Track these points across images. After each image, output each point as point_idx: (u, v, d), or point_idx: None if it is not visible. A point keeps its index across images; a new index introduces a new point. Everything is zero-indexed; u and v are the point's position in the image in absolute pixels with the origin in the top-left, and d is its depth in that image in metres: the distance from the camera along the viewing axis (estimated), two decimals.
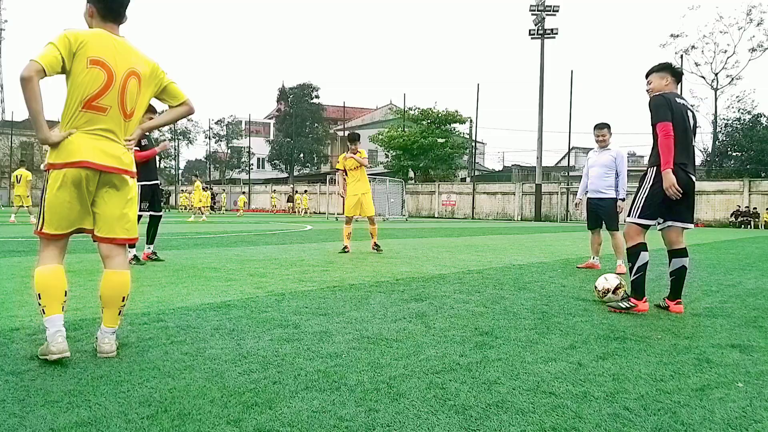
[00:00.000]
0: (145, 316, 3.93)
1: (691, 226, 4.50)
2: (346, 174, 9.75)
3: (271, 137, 63.62)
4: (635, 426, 2.16)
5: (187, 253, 8.83)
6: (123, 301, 3.04)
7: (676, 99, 4.42)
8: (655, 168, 4.36)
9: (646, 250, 4.48)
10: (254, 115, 66.46)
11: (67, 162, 2.84)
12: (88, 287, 5.14)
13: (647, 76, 4.64)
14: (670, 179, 4.19)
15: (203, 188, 27.93)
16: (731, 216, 33.21)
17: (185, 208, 48.08)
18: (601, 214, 7.50)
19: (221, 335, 3.43)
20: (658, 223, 4.54)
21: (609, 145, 7.56)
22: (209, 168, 66.24)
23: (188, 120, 66.41)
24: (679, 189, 4.20)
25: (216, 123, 65.14)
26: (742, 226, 32.11)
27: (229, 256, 8.42)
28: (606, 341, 3.51)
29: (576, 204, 8.06)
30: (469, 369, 2.86)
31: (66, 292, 2.94)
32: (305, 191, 46.39)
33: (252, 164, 62.47)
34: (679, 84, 4.66)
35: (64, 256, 3.05)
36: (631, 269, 4.50)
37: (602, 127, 7.54)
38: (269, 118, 70.57)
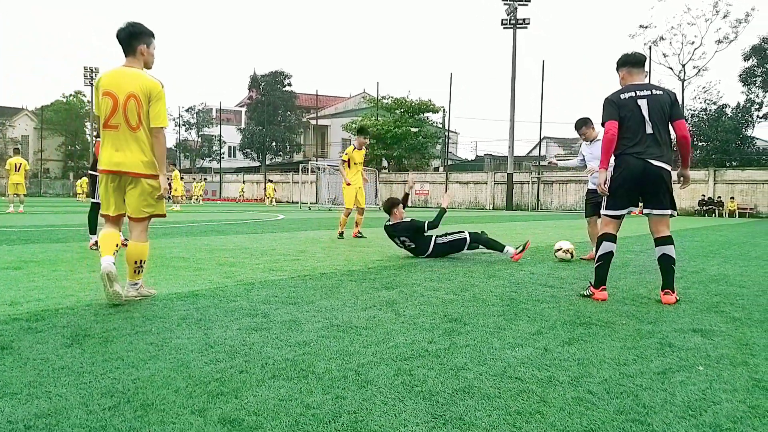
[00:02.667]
0: (109, 306, 3.85)
1: (668, 212, 4.50)
2: (349, 166, 10.25)
3: (243, 125, 62.80)
4: (598, 409, 2.20)
5: (154, 242, 8.69)
6: (136, 264, 4.03)
7: (622, 95, 4.43)
8: (615, 159, 4.47)
9: (611, 241, 4.52)
10: (225, 103, 65.73)
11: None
12: (51, 277, 5.02)
13: (617, 70, 4.72)
14: (601, 177, 4.47)
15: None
16: (697, 204, 34.00)
17: None
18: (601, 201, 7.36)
19: (188, 325, 3.38)
20: (630, 212, 4.60)
21: (598, 136, 7.36)
22: (179, 157, 65.18)
23: None
24: (605, 191, 4.45)
25: (186, 110, 64.10)
26: (707, 214, 32.92)
27: (199, 245, 8.31)
28: (572, 327, 3.57)
29: (549, 162, 7.92)
30: (437, 355, 2.87)
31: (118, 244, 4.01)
32: (270, 180, 46.26)
33: (223, 153, 61.65)
34: (641, 67, 4.59)
35: (119, 228, 4.16)
36: (595, 257, 4.59)
37: (579, 126, 7.52)
38: (241, 106, 69.62)
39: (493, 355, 2.91)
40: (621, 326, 3.62)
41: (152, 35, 4.06)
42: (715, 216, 32.34)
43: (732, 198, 33.43)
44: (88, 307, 3.83)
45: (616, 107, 4.44)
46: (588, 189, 7.65)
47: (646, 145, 4.36)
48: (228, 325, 3.39)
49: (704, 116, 40.49)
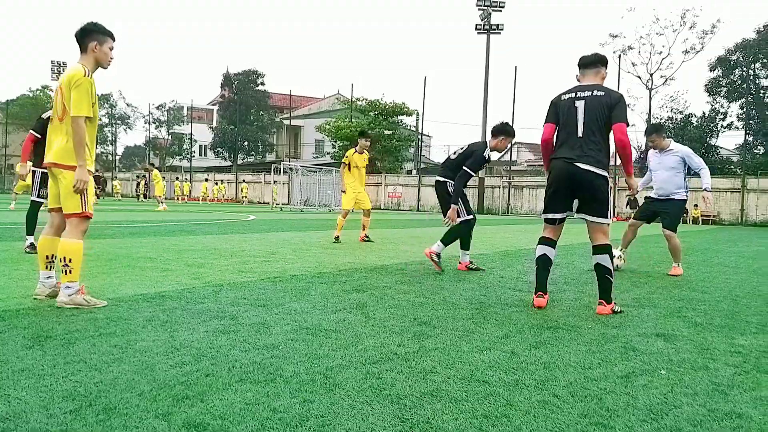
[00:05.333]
0: (73, 308, 3.76)
1: (598, 220, 4.28)
2: (350, 169, 10.12)
3: (215, 124, 62.05)
4: (563, 412, 2.23)
5: (121, 242, 8.53)
6: (62, 262, 3.81)
7: (563, 96, 4.38)
8: (549, 163, 4.45)
9: (545, 245, 4.43)
10: (197, 101, 64.54)
11: None
12: (13, 276, 4.89)
13: None
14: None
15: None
16: None
17: (122, 196, 46.49)
18: (661, 211, 7.15)
19: (153, 327, 3.32)
20: (568, 216, 4.47)
21: (670, 146, 7.07)
22: (149, 155, 64.07)
23: (127, 105, 64.12)
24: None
25: (157, 108, 62.98)
26: None
27: (167, 245, 8.18)
28: (539, 330, 3.61)
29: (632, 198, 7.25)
30: (406, 359, 2.88)
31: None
32: (221, 181, 46.12)
33: (194, 151, 60.79)
34: (591, 68, 4.41)
35: (57, 232, 4.06)
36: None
37: (650, 133, 7.25)
38: (213, 104, 68.75)
39: (462, 358, 2.93)
40: (587, 330, 3.68)
41: (108, 35, 4.02)
42: (680, 223, 33.11)
43: (695, 205, 34.29)
44: (51, 308, 3.74)
45: (555, 109, 4.39)
46: (651, 197, 7.29)
47: (575, 148, 4.23)
48: (195, 328, 3.34)
49: (671, 125, 41.48)
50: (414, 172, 49.62)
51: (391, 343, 3.18)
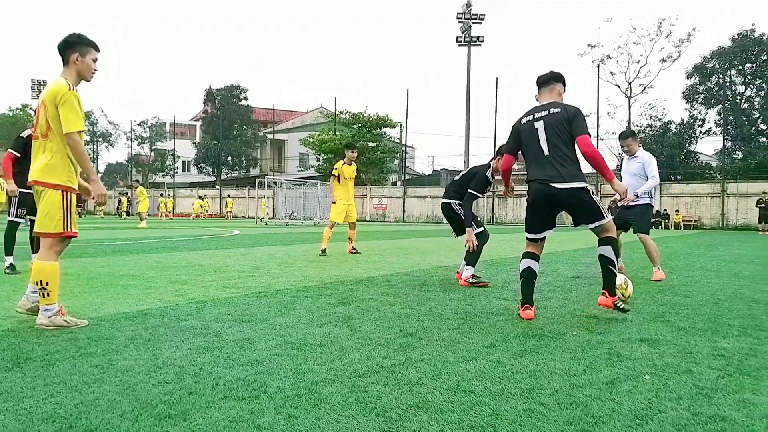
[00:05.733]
0: (53, 329, 3.70)
1: (598, 223, 4.38)
2: (339, 181, 10.17)
3: (198, 140, 61.74)
4: (548, 420, 2.23)
5: (103, 260, 8.43)
6: (38, 285, 3.73)
7: (523, 119, 4.46)
8: (527, 186, 4.44)
9: (527, 258, 4.45)
10: (180, 117, 64.49)
11: None
12: None
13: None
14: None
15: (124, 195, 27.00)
16: None
17: (105, 213, 46.01)
18: (629, 218, 7.27)
19: (136, 346, 3.28)
20: (548, 233, 4.50)
21: (638, 152, 7.31)
22: (131, 172, 63.56)
23: (109, 122, 63.66)
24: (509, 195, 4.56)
25: (138, 124, 62.59)
26: (654, 226, 34.07)
27: (149, 262, 8.10)
28: (525, 339, 3.62)
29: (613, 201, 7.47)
30: (392, 371, 2.87)
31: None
32: (203, 197, 46.02)
33: (177, 167, 60.41)
34: (546, 86, 4.49)
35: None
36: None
37: (626, 137, 7.42)
38: (195, 120, 68.46)
39: (448, 369, 2.92)
40: (571, 337, 3.69)
41: (91, 45, 3.91)
42: (662, 228, 33.50)
43: (677, 210, 34.72)
44: (31, 329, 3.67)
45: (516, 135, 4.52)
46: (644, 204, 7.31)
47: (546, 170, 4.28)
48: (178, 345, 3.30)
49: (650, 132, 42.08)
50: (399, 183, 49.72)
51: (377, 355, 3.17)
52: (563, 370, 2.92)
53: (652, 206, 7.31)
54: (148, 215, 27.31)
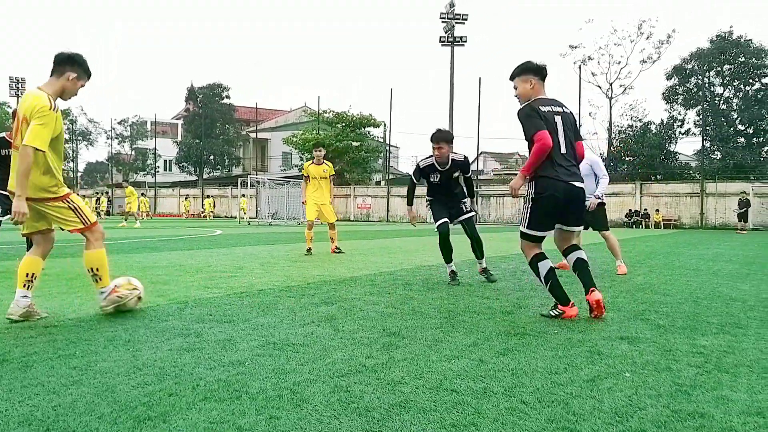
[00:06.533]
0: (31, 329, 3.65)
1: (580, 228, 4.57)
2: (309, 181, 10.25)
3: (179, 138, 61.19)
4: (530, 418, 2.24)
5: (83, 260, 8.30)
6: (90, 272, 4.13)
7: (542, 107, 4.22)
8: (533, 182, 4.24)
9: (543, 260, 4.37)
10: (161, 115, 63.77)
11: None
12: None
13: (512, 79, 4.44)
14: (519, 182, 4.31)
15: (102, 195, 26.72)
16: (625, 216, 35.55)
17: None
18: (587, 218, 7.29)
19: (115, 347, 3.24)
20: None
21: (584, 154, 7.62)
22: (111, 170, 62.84)
23: (89, 120, 62.86)
24: (518, 194, 4.31)
25: (119, 123, 61.87)
26: (634, 226, 34.47)
27: (130, 263, 8.00)
28: (507, 337, 3.64)
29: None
30: (374, 370, 2.86)
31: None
32: (187, 196, 45.60)
33: (158, 166, 59.81)
34: (544, 81, 4.40)
35: (41, 250, 4.11)
36: (541, 283, 4.41)
37: None
38: (177, 119, 67.80)
39: (430, 368, 2.93)
40: (553, 335, 3.72)
41: (87, 73, 4.03)
42: (642, 227, 33.90)
43: (657, 210, 35.16)
44: (8, 330, 3.61)
45: (540, 117, 4.16)
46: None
47: (564, 166, 4.19)
48: (158, 346, 3.26)
49: (631, 132, 42.58)
50: (383, 183, 49.73)
51: (359, 355, 3.16)
52: (545, 369, 2.94)
53: (604, 203, 7.64)
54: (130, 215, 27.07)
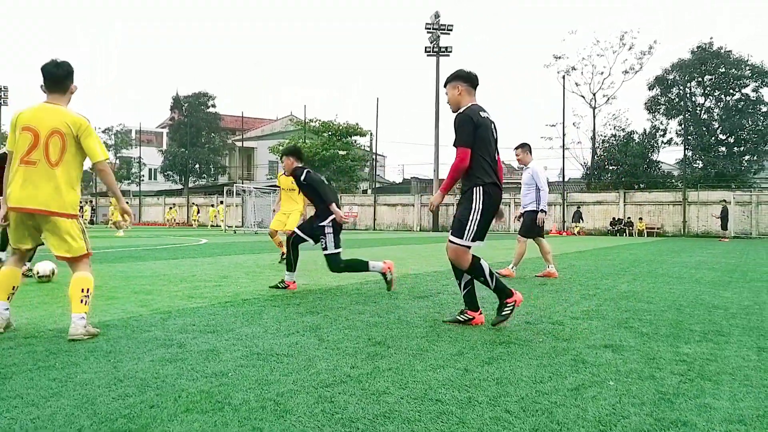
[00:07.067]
0: (10, 340, 3.58)
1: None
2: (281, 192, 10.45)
3: (165, 147, 60.79)
4: (514, 428, 2.24)
5: (63, 270, 8.16)
6: (82, 292, 3.80)
7: (480, 113, 4.18)
8: (480, 188, 4.15)
9: (480, 260, 4.28)
10: (145, 124, 63.26)
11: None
12: None
13: (444, 86, 4.42)
14: (437, 200, 4.48)
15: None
16: (609, 225, 35.87)
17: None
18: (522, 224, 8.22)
19: (96, 358, 3.19)
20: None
21: (529, 164, 8.13)
22: (95, 179, 62.13)
23: None
24: (433, 210, 4.44)
25: (103, 131, 61.28)
26: (618, 234, 34.77)
27: (113, 272, 7.91)
28: (492, 346, 3.64)
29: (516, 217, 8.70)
30: (359, 380, 2.85)
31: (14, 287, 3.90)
32: (172, 205, 45.29)
33: (143, 175, 59.32)
34: (476, 88, 4.35)
35: (22, 263, 4.07)
36: (487, 283, 4.29)
37: (516, 148, 8.24)
38: (162, 127, 67.44)
39: (415, 377, 2.92)
40: (538, 344, 3.73)
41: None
42: (626, 236, 34.20)
43: (641, 218, 35.52)
44: None
45: (473, 128, 4.09)
46: (529, 211, 8.14)
47: (496, 173, 4.21)
48: (140, 357, 3.22)
49: (614, 141, 43.07)
50: (369, 191, 49.74)
51: (344, 365, 3.14)
52: (529, 377, 2.94)
53: (536, 212, 8.05)
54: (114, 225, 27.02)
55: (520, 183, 8.64)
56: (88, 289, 3.82)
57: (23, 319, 4.30)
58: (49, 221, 3.80)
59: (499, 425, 2.27)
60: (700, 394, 2.72)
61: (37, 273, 6.62)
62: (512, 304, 4.26)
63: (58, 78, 3.86)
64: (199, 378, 2.84)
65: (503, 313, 4.26)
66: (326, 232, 6.03)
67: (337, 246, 5.99)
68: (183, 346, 3.50)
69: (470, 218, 4.15)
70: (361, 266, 5.96)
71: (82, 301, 3.76)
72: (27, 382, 2.72)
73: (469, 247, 4.21)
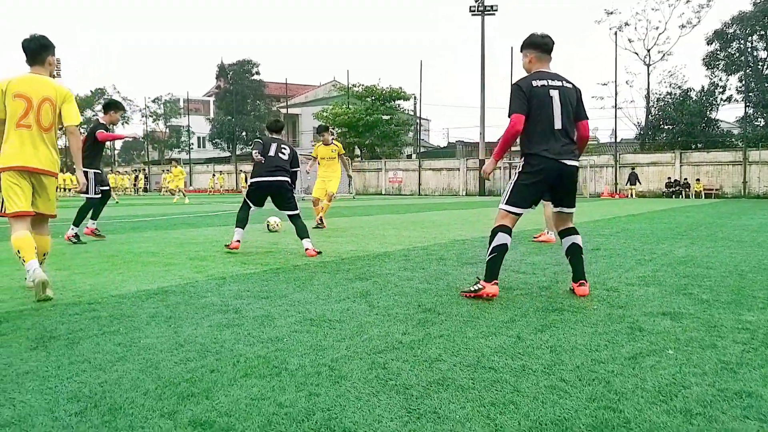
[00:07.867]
0: (76, 306, 3.76)
1: (573, 209, 4.34)
2: (318, 162, 10.90)
3: (212, 115, 61.78)
4: (571, 397, 2.22)
5: (123, 237, 8.52)
6: (45, 256, 4.41)
7: (534, 82, 4.09)
8: (523, 158, 4.15)
9: (504, 232, 4.09)
10: (193, 93, 64.44)
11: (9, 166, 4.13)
12: (15, 277, 4.87)
13: (521, 50, 4.35)
14: (489, 166, 4.40)
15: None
16: (664, 186, 34.69)
17: (121, 190, 46.55)
18: None
19: (157, 323, 3.31)
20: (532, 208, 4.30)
21: None
22: (147, 148, 63.98)
23: (123, 99, 63.89)
24: (488, 177, 4.35)
25: (153, 101, 62.76)
26: (674, 195, 33.62)
27: (169, 239, 8.17)
28: (544, 313, 3.60)
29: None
30: (411, 347, 2.86)
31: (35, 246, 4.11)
32: (220, 172, 45.70)
33: (192, 143, 60.62)
34: (549, 54, 4.23)
35: (28, 228, 4.20)
36: (487, 249, 4.15)
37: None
38: (209, 96, 68.40)
39: (467, 345, 2.91)
40: (592, 311, 3.66)
41: (54, 47, 4.35)
42: (682, 197, 33.05)
43: (698, 179, 34.19)
44: (54, 307, 3.73)
45: (525, 96, 4.05)
46: None
47: (558, 144, 4.06)
48: (199, 323, 3.33)
49: (670, 100, 41.22)
50: (413, 156, 49.47)
51: (395, 331, 3.16)
52: (584, 346, 2.90)
53: None
54: (173, 192, 28.52)
55: None
56: (45, 254, 4.40)
57: (86, 285, 4.50)
58: (45, 180, 4.22)
59: (555, 394, 2.24)
60: (765, 364, 2.62)
61: (269, 225, 8.41)
62: (483, 288, 4.04)
63: (34, 51, 4.22)
64: (256, 343, 2.91)
65: (472, 288, 4.13)
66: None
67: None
68: (239, 312, 3.59)
69: (509, 184, 4.25)
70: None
71: (41, 262, 4.19)
72: (94, 347, 2.84)
73: (508, 212, 4.17)
